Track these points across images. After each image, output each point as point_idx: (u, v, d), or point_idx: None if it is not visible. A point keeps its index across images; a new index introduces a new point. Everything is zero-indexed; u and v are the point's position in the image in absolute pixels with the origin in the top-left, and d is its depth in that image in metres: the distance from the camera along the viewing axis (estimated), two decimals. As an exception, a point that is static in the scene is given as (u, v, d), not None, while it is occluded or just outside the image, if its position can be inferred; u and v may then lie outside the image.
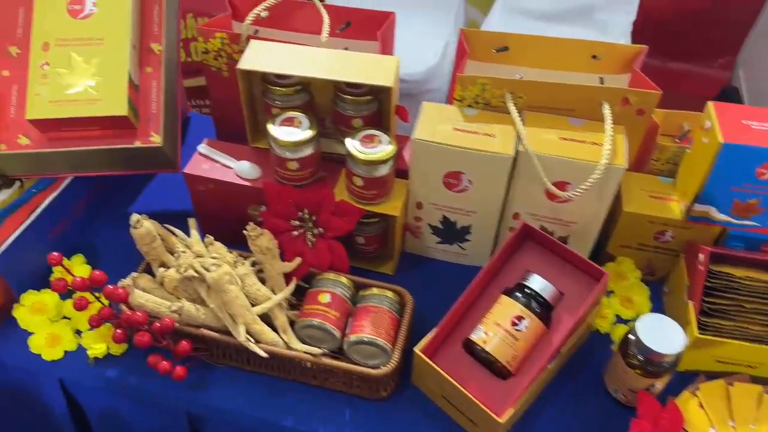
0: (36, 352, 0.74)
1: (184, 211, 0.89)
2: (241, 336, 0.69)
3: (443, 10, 1.81)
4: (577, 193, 0.71)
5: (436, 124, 0.74)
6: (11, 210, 0.78)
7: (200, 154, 0.81)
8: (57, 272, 0.79)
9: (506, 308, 0.69)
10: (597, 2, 1.77)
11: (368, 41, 0.86)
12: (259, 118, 0.82)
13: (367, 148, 0.72)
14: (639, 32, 1.77)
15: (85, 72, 0.76)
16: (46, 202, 0.79)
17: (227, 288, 0.69)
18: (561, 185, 0.73)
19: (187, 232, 0.78)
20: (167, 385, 0.71)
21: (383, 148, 0.73)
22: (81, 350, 0.75)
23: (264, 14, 0.81)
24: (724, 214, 0.74)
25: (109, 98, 0.76)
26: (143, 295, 0.71)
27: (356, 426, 0.70)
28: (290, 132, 0.73)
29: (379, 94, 0.76)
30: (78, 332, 0.76)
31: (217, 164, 0.80)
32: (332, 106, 0.79)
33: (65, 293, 0.72)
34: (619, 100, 0.74)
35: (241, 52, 0.80)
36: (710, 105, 0.72)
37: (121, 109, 0.75)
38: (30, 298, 0.77)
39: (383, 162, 0.72)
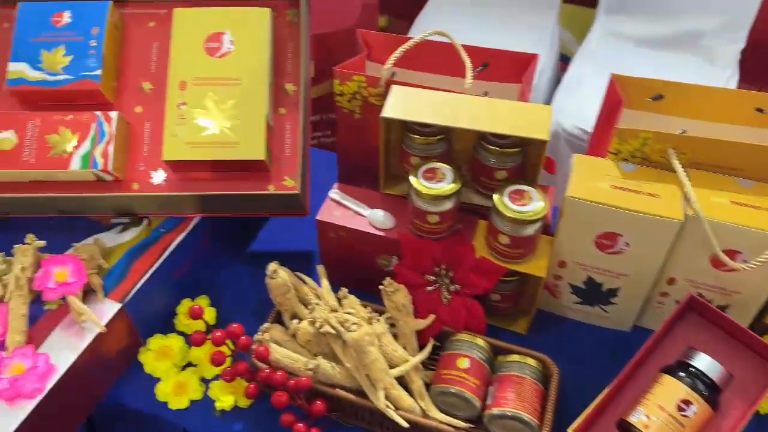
0: (162, 400, 0.72)
1: (304, 251, 0.87)
2: (381, 402, 0.65)
3: (537, 34, 1.75)
4: (752, 265, 0.64)
5: (592, 181, 0.69)
6: (140, 251, 0.76)
7: (331, 199, 0.78)
8: (183, 318, 0.77)
9: (670, 390, 0.63)
10: (704, 29, 1.68)
11: (507, 83, 0.81)
12: (392, 163, 0.79)
13: (516, 205, 0.68)
14: (747, 60, 1.67)
15: (222, 113, 0.74)
16: (175, 243, 0.77)
17: (368, 350, 0.65)
18: (731, 253, 0.66)
19: (311, 275, 0.76)
20: (295, 444, 0.68)
21: (535, 206, 0.68)
22: (207, 399, 0.72)
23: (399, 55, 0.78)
24: None
25: (246, 141, 0.73)
26: (278, 349, 0.68)
27: (496, 505, 0.65)
28: (433, 185, 0.69)
29: (526, 145, 0.72)
30: (203, 380, 0.74)
31: (349, 211, 0.77)
32: (472, 154, 0.75)
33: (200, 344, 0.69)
34: (798, 161, 0.67)
35: (378, 95, 0.77)
36: None
37: (258, 153, 0.73)
38: (156, 342, 0.75)
39: (534, 221, 0.67)
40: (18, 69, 0.75)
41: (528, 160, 0.73)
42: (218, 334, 0.67)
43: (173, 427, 0.72)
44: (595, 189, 0.68)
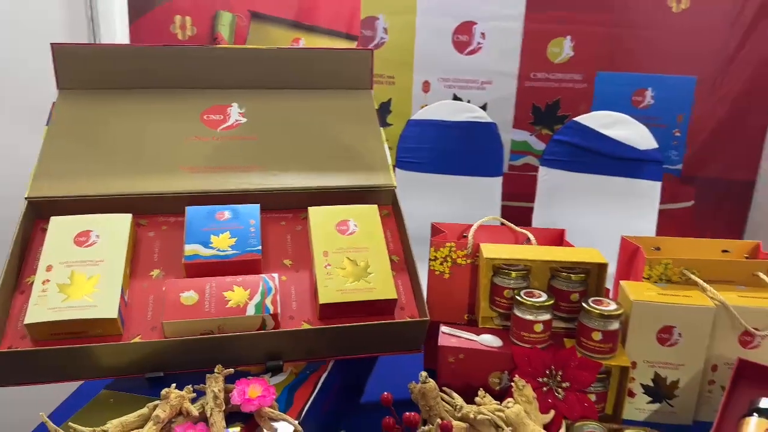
0: None
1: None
2: (547, 462, 0.77)
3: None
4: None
5: (643, 293, 0.95)
6: (296, 386, 0.89)
7: (444, 333, 0.97)
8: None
9: (756, 425, 0.81)
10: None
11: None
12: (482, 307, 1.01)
13: (601, 307, 0.91)
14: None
15: (357, 269, 0.96)
16: (321, 380, 0.91)
17: (526, 422, 0.79)
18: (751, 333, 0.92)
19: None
20: None
21: (614, 306, 0.92)
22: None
23: (474, 230, 1.07)
24: None
25: (379, 286, 0.94)
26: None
27: None
28: (536, 299, 0.93)
29: (588, 272, 0.99)
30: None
31: (462, 339, 0.96)
32: (550, 285, 1.00)
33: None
34: (766, 270, 0.98)
35: (465, 256, 1.03)
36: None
37: (391, 293, 0.94)
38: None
39: (617, 316, 0.91)
40: (193, 248, 0.96)
41: (591, 281, 0.99)
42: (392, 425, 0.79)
43: None
44: (649, 296, 0.94)
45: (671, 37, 1.86)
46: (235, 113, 1.18)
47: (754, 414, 0.83)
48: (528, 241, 1.11)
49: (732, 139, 1.95)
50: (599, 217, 2.03)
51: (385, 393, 0.80)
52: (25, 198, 0.99)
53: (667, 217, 1.95)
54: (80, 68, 1.14)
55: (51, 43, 1.13)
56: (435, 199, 1.93)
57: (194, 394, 0.81)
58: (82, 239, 0.94)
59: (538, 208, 1.87)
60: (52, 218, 0.97)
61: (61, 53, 1.13)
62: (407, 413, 0.80)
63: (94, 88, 1.16)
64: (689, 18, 1.83)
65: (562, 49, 1.96)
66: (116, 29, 1.86)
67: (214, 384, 0.81)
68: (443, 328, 0.99)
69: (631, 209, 1.77)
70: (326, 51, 1.25)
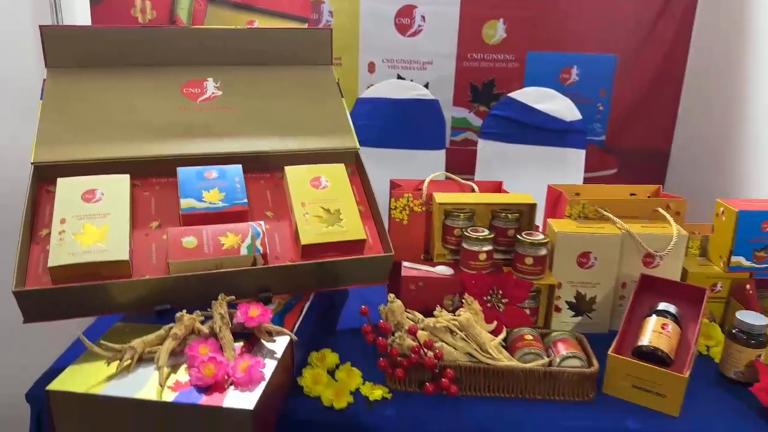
0: (327, 405, 0.96)
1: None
2: (494, 349, 0.97)
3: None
4: (666, 253, 1.13)
5: (565, 227, 1.16)
6: (285, 312, 1.06)
7: (405, 267, 1.16)
8: (315, 360, 1.04)
9: (655, 322, 1.04)
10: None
11: (491, 198, 1.31)
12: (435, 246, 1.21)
13: (532, 237, 1.12)
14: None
15: (330, 216, 1.13)
16: (306, 307, 1.08)
17: (474, 325, 0.99)
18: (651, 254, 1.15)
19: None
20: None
21: (541, 236, 1.13)
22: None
23: (427, 184, 1.26)
24: (749, 261, 1.18)
25: (351, 228, 1.12)
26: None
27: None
28: (480, 233, 1.12)
29: (522, 211, 1.19)
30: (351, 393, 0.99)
31: (422, 271, 1.15)
32: (491, 225, 1.20)
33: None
34: (665, 207, 1.22)
35: (420, 205, 1.22)
36: (718, 201, 1.22)
37: (360, 234, 1.12)
38: (310, 372, 1.01)
39: (545, 243, 1.11)
40: (188, 202, 1.10)
41: (523, 220, 1.20)
42: (381, 323, 0.97)
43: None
44: (571, 229, 1.15)
45: (593, 19, 2.08)
46: (212, 87, 1.32)
47: (654, 314, 1.06)
48: (472, 190, 1.31)
49: (649, 111, 2.18)
50: (532, 183, 2.25)
51: (363, 306, 0.98)
52: (31, 163, 1.12)
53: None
54: (67, 48, 1.26)
55: (39, 25, 1.24)
56: (384, 172, 2.10)
57: (202, 318, 0.97)
58: (89, 196, 1.08)
59: (478, 177, 2.05)
60: (59, 179, 1.10)
61: (49, 34, 1.25)
62: (382, 321, 0.98)
63: (80, 65, 1.28)
64: (609, 1, 2.06)
65: (496, 31, 2.13)
66: (77, 13, 1.95)
67: (220, 307, 0.97)
68: (405, 264, 1.17)
69: (559, 175, 1.99)
70: (289, 30, 1.41)
